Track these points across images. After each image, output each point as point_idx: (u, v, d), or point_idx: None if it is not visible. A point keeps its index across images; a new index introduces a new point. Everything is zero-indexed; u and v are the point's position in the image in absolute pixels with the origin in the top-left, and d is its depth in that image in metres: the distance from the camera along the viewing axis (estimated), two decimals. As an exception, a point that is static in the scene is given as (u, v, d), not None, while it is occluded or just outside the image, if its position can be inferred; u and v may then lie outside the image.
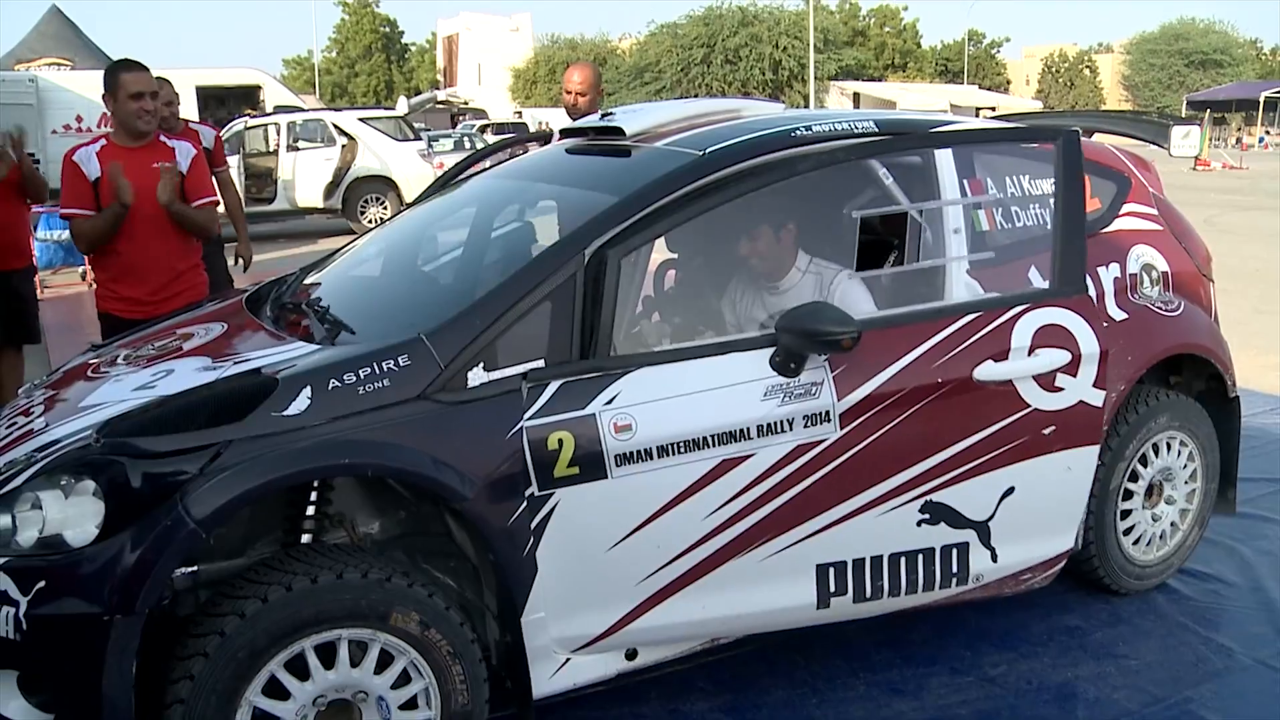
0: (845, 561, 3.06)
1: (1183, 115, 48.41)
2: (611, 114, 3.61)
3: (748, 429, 2.82)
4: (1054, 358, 3.22)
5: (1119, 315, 3.49)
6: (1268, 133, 49.51)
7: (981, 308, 3.19)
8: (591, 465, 2.68)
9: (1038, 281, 3.34)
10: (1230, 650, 3.53)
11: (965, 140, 3.49)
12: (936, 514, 3.14)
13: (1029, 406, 3.19)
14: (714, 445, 2.79)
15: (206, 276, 4.68)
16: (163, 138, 4.50)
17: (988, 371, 3.12)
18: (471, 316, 2.70)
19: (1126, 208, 3.74)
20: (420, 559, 2.91)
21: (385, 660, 2.57)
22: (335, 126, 17.36)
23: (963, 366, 3.09)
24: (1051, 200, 3.39)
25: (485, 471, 2.60)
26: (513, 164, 4.09)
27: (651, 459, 2.72)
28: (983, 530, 3.23)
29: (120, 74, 4.34)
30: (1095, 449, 3.40)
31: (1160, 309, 3.66)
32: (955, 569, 3.22)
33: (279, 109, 19.30)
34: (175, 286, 4.42)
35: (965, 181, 3.30)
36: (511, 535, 2.64)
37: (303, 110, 19.54)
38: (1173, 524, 3.91)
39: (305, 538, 2.73)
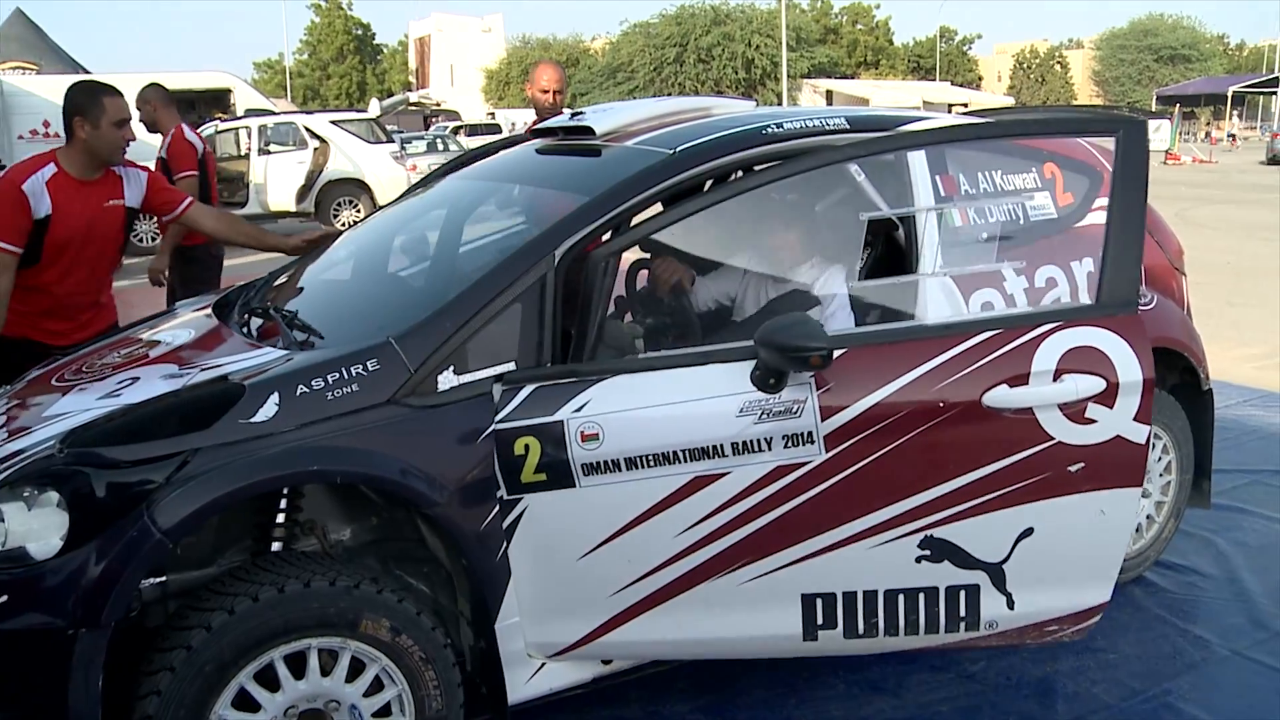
0: (834, 594, 2.86)
1: (1153, 110, 48.87)
2: (581, 113, 3.57)
3: (721, 446, 2.68)
4: (1084, 385, 2.84)
5: (1093, 309, 3.48)
6: (1236, 126, 49.92)
7: (1000, 325, 2.88)
8: (558, 473, 2.63)
9: (1063, 294, 3.16)
10: (1207, 642, 3.54)
11: (1014, 133, 3.41)
12: (939, 551, 2.87)
13: (1052, 439, 2.84)
14: (685, 461, 2.67)
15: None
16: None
17: (1001, 398, 2.80)
18: (441, 319, 2.66)
19: (1099, 202, 3.71)
20: (393, 564, 2.88)
21: (357, 668, 2.54)
22: (307, 129, 17.30)
23: (970, 390, 2.78)
24: (1030, 194, 3.35)
25: (456, 476, 2.58)
26: (482, 164, 4.05)
27: (620, 471, 2.65)
28: (996, 573, 2.92)
29: (103, 98, 3.92)
30: (1135, 492, 2.97)
31: (1134, 302, 3.65)
32: (964, 613, 2.94)
33: (250, 112, 19.18)
34: (95, 320, 4.12)
35: (938, 178, 3.23)
36: (483, 540, 2.62)
37: (274, 113, 19.42)
38: (1148, 517, 3.92)
39: (275, 545, 2.69)
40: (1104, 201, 3.71)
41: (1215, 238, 13.74)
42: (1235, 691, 3.29)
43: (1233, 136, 45.34)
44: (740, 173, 3.47)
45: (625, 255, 3.33)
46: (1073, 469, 2.88)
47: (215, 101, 21.79)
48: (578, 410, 2.64)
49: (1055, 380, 2.83)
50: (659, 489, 2.68)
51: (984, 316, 2.97)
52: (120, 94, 4.02)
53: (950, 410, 2.77)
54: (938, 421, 2.77)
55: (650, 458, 2.65)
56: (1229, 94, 53.82)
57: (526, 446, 2.62)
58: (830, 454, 2.73)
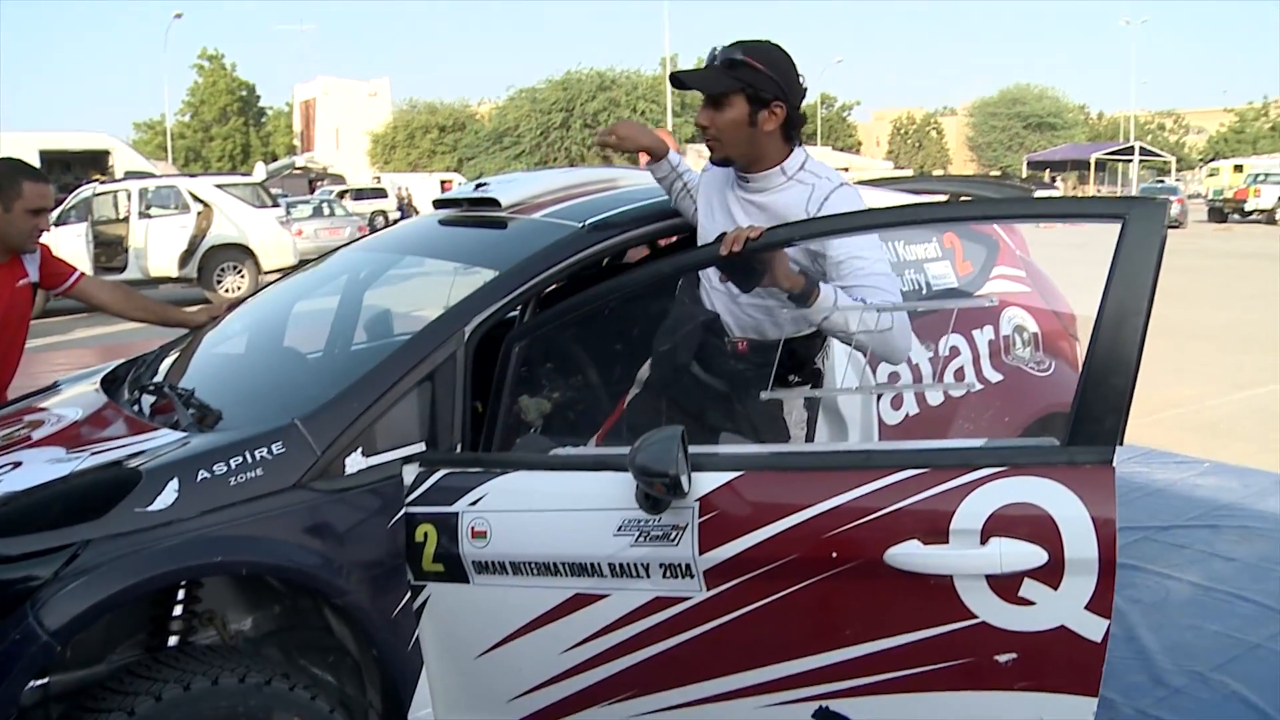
0: None
1: (1024, 175, 50.90)
2: (485, 184, 3.53)
3: (599, 564, 2.42)
4: (1015, 554, 2.18)
5: (995, 377, 3.55)
6: (1099, 191, 52.26)
7: (924, 462, 2.29)
8: (452, 566, 2.52)
9: (965, 363, 3.05)
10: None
11: (1017, 215, 3.29)
12: None
13: (974, 618, 2.23)
14: (566, 575, 2.46)
15: None
16: None
17: (908, 556, 2.22)
18: (348, 399, 2.57)
19: (996, 270, 3.82)
20: (297, 655, 2.75)
21: (264, 769, 2.40)
22: (190, 193, 16.97)
23: (871, 542, 2.24)
24: (932, 264, 3.42)
25: (366, 562, 2.48)
26: (383, 235, 3.98)
27: (506, 574, 2.49)
28: None
29: (23, 181, 3.57)
30: (1087, 703, 2.25)
31: (1033, 369, 3.74)
32: None
33: (130, 174, 18.77)
34: None
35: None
36: (395, 628, 2.52)
37: (155, 176, 19.02)
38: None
39: (172, 639, 2.55)
40: (1002, 270, 3.85)
41: (1091, 298, 14.24)
42: (1142, 751, 3.33)
43: None
44: (646, 247, 3.46)
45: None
46: (1002, 659, 2.26)
47: (93, 162, 21.33)
48: (472, 504, 2.52)
49: (982, 543, 2.21)
50: (544, 600, 2.51)
51: (905, 448, 2.54)
52: (46, 180, 3.73)
53: (845, 563, 2.26)
54: (830, 575, 2.28)
55: (533, 565, 2.49)
56: (1092, 160, 56.28)
57: (425, 534, 2.53)
58: (711, 593, 2.36)
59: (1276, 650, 3.86)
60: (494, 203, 3.33)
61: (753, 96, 2.69)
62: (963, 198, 4.22)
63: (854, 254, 2.60)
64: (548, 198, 3.33)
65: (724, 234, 2.53)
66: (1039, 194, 4.34)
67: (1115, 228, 2.22)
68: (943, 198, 4.23)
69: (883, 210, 2.75)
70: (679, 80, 2.81)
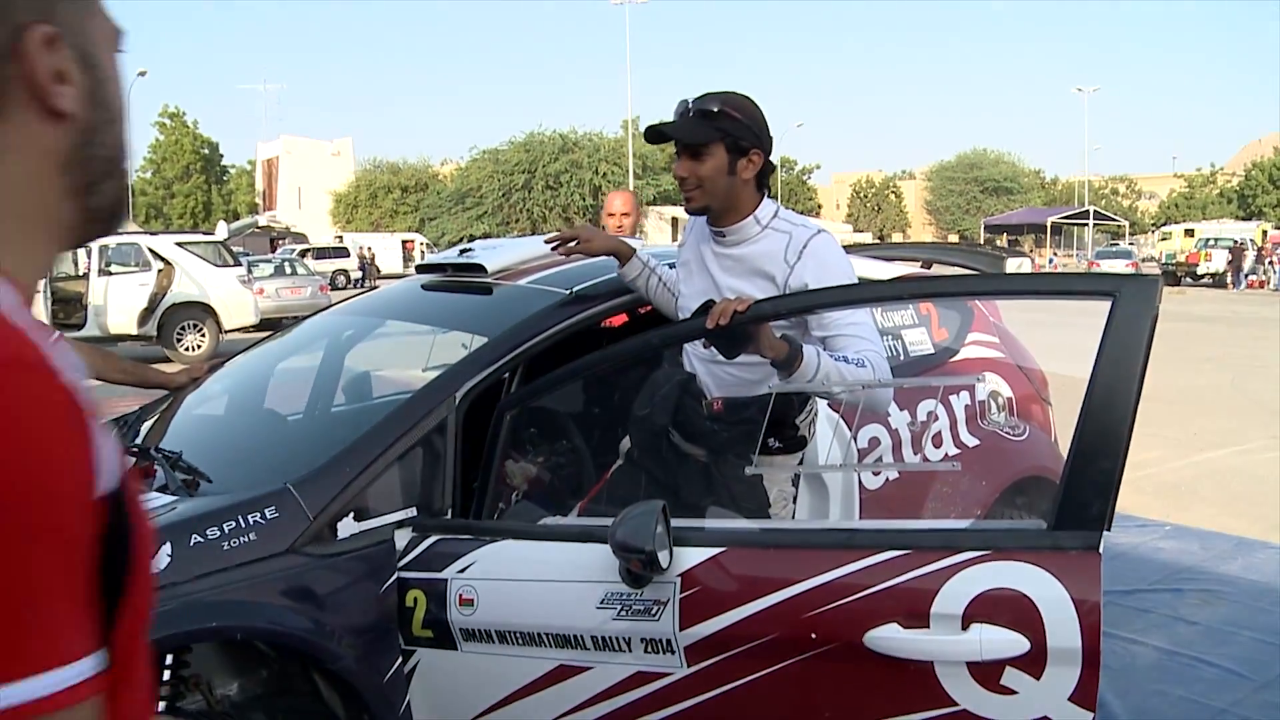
0: None
1: (981, 238, 51.59)
2: (470, 250, 3.56)
3: (582, 637, 2.38)
4: (997, 641, 2.08)
5: (971, 442, 3.61)
6: (1055, 254, 53.13)
7: (907, 544, 2.22)
8: (441, 633, 2.51)
9: (943, 428, 3.13)
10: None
11: (1005, 291, 3.16)
12: None
13: (955, 705, 2.14)
14: (550, 645, 2.43)
15: None
16: None
17: (888, 640, 2.14)
18: (341, 464, 2.58)
19: (971, 336, 3.90)
20: (282, 720, 2.74)
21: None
22: (151, 250, 16.86)
23: (850, 624, 2.16)
24: (908, 330, 3.49)
25: (359, 627, 2.48)
26: (366, 299, 4.00)
27: (492, 642, 2.47)
28: None
29: None
30: None
31: (1008, 434, 3.80)
32: None
33: (90, 232, 18.61)
34: None
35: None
36: (385, 694, 2.51)
37: (115, 232, 18.88)
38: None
39: (160, 705, 2.53)
40: (976, 336, 3.92)
41: (1050, 361, 14.43)
42: (1116, 816, 3.34)
43: (1052, 262, 48.36)
44: (626, 315, 3.50)
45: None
46: None
47: (52, 220, 21.07)
48: (461, 571, 2.51)
49: (963, 629, 2.11)
50: (529, 670, 2.48)
51: (889, 528, 2.49)
52: None
53: (825, 644, 2.20)
54: (810, 656, 2.22)
55: (518, 635, 2.46)
56: (1048, 224, 57.21)
57: (415, 600, 2.53)
58: (692, 669, 2.31)
59: (1241, 715, 3.90)
60: (478, 268, 3.37)
61: (732, 145, 2.70)
62: (935, 265, 4.31)
63: None
64: (532, 264, 3.37)
65: (709, 302, 2.52)
66: (1011, 264, 4.40)
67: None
68: (915, 265, 4.32)
69: (870, 285, 2.78)
70: (658, 132, 2.78)
